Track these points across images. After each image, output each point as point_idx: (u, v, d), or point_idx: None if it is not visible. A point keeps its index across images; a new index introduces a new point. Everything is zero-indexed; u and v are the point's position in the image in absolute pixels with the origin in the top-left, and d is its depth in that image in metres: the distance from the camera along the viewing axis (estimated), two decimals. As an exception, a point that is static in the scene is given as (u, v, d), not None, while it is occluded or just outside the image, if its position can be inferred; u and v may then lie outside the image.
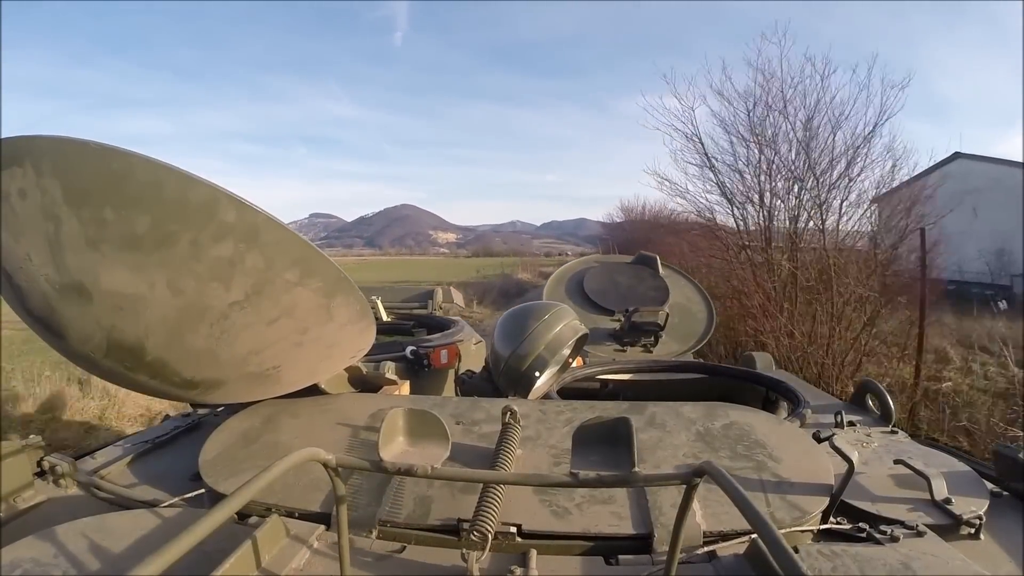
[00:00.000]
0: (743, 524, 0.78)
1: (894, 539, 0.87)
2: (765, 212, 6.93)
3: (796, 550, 0.79)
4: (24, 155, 0.86)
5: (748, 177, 7.06)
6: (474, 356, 2.48)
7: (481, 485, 0.91)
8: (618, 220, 32.44)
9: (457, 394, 2.06)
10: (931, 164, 8.15)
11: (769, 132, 6.84)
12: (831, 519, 0.95)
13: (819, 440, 1.14)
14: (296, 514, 0.94)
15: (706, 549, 0.86)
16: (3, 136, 0.88)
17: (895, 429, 1.41)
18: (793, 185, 6.77)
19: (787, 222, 6.70)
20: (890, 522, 0.93)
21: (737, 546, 0.85)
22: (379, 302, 3.36)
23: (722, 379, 2.19)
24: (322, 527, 0.91)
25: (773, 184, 6.88)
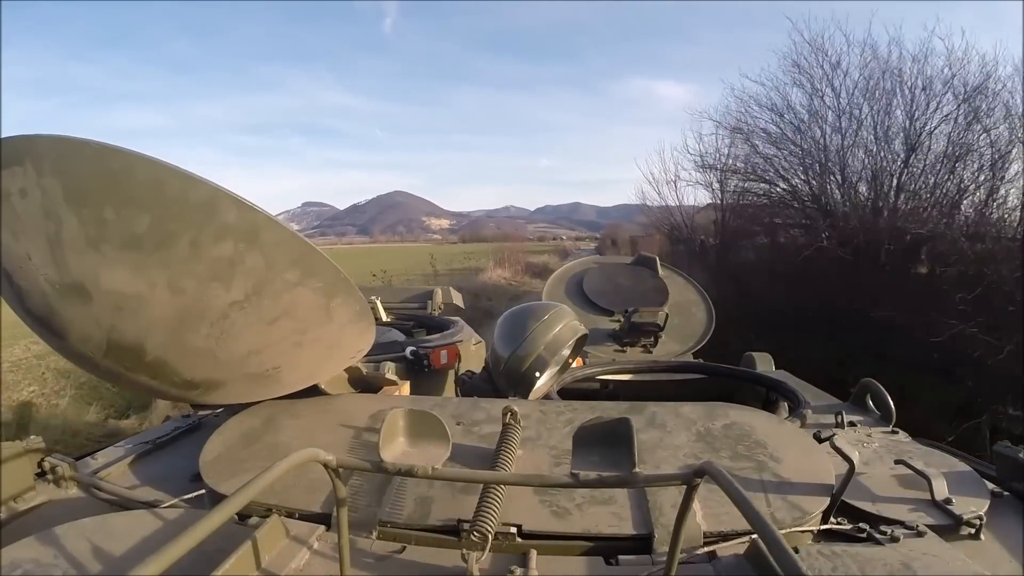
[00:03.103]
0: (743, 524, 0.78)
1: (894, 539, 0.87)
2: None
3: (796, 550, 0.79)
4: (24, 155, 0.86)
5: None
6: (474, 356, 2.49)
7: (481, 486, 0.92)
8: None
9: (457, 395, 2.06)
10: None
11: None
12: (831, 519, 0.95)
13: (820, 440, 1.15)
14: (296, 515, 0.94)
15: (706, 549, 0.86)
16: (3, 136, 0.88)
17: (895, 429, 1.41)
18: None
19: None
20: (891, 522, 0.93)
21: (737, 546, 0.85)
22: (378, 302, 3.36)
23: (722, 379, 2.19)
24: (322, 527, 0.91)
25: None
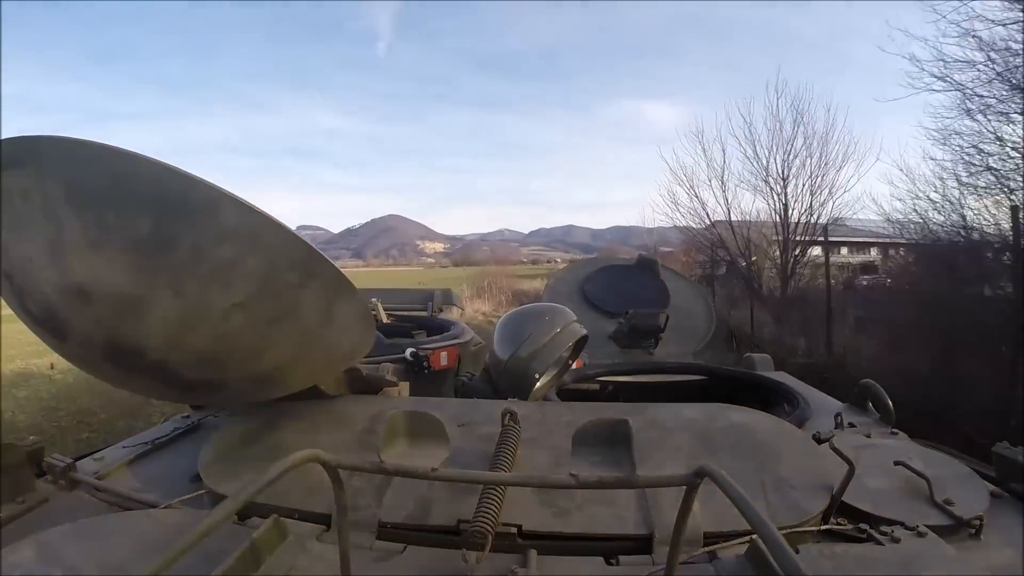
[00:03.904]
0: (744, 525, 0.79)
1: (895, 540, 0.87)
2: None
3: (797, 551, 0.79)
4: (26, 155, 0.86)
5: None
6: (473, 358, 2.49)
7: (481, 486, 0.92)
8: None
9: (456, 396, 2.06)
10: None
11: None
12: (832, 520, 0.96)
13: (819, 441, 1.15)
14: (296, 515, 0.94)
15: (707, 550, 0.86)
16: (4, 136, 0.88)
17: (895, 431, 1.41)
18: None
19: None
20: (891, 523, 0.93)
21: (738, 547, 0.85)
22: (379, 304, 3.37)
23: (722, 381, 2.19)
24: (322, 528, 0.91)
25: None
